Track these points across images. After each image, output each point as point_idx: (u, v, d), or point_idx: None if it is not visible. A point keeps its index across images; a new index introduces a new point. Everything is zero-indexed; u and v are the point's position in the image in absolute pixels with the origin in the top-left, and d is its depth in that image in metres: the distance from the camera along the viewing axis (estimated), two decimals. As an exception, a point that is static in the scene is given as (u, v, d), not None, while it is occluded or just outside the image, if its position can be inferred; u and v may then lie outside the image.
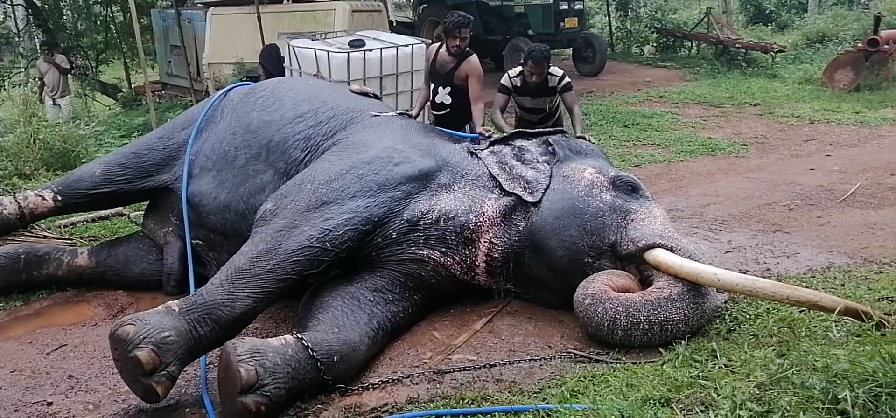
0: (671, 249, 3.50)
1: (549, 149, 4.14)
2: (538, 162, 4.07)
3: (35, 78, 12.88)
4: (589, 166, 3.98)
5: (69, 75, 11.37)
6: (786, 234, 4.86)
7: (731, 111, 9.79)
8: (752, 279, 3.31)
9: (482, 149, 4.21)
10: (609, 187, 3.83)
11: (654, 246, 3.53)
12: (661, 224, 3.67)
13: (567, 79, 5.31)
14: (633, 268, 3.67)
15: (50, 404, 3.24)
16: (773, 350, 2.99)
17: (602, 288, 3.42)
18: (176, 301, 3.16)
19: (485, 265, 3.84)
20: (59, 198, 4.51)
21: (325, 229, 3.46)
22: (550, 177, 3.94)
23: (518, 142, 4.23)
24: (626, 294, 3.42)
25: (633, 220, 3.68)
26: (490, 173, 4.01)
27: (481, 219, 3.83)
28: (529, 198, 3.85)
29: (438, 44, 5.42)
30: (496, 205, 3.87)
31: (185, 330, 3.01)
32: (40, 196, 4.49)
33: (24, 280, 4.47)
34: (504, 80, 5.42)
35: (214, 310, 3.11)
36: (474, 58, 5.17)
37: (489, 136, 4.45)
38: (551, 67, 5.31)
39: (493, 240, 3.82)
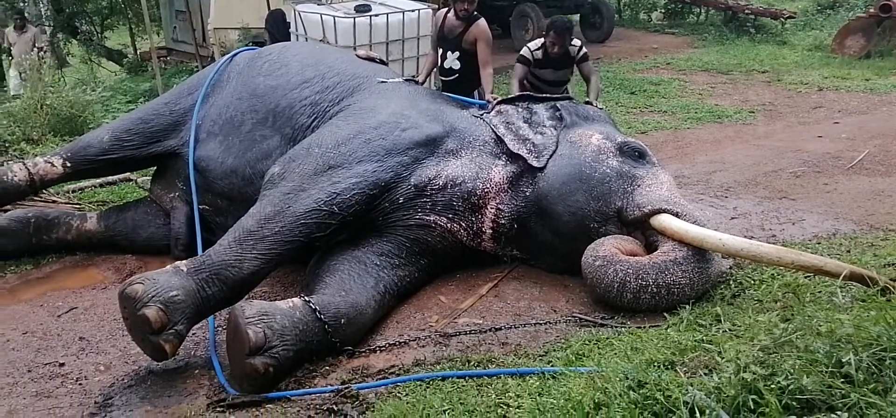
0: (676, 215, 3.51)
1: (557, 113, 4.13)
2: (545, 126, 4.07)
3: (40, 47, 12.79)
4: (596, 132, 3.98)
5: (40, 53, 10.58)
6: (792, 201, 4.86)
7: (738, 78, 9.72)
8: (757, 244, 3.32)
9: (490, 112, 4.20)
10: (616, 153, 3.83)
11: (659, 211, 3.54)
12: (667, 189, 3.68)
13: (585, 48, 5.26)
14: (640, 234, 3.68)
15: (62, 365, 3.30)
16: (778, 314, 2.99)
17: (612, 251, 3.44)
18: (184, 261, 3.20)
19: (491, 231, 3.86)
20: (69, 164, 4.53)
21: (333, 193, 3.48)
22: (557, 142, 3.94)
23: (526, 104, 4.22)
24: (636, 257, 3.44)
25: (639, 186, 3.69)
26: (496, 136, 4.00)
27: (488, 185, 3.84)
28: (535, 164, 3.85)
29: (446, 8, 5.38)
30: (503, 172, 3.88)
31: (193, 289, 3.04)
32: (50, 162, 4.51)
33: (33, 244, 4.52)
34: (524, 51, 5.32)
35: (222, 271, 3.14)
36: (483, 21, 5.13)
37: (493, 101, 4.43)
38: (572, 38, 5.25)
39: (499, 206, 3.83)
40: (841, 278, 3.01)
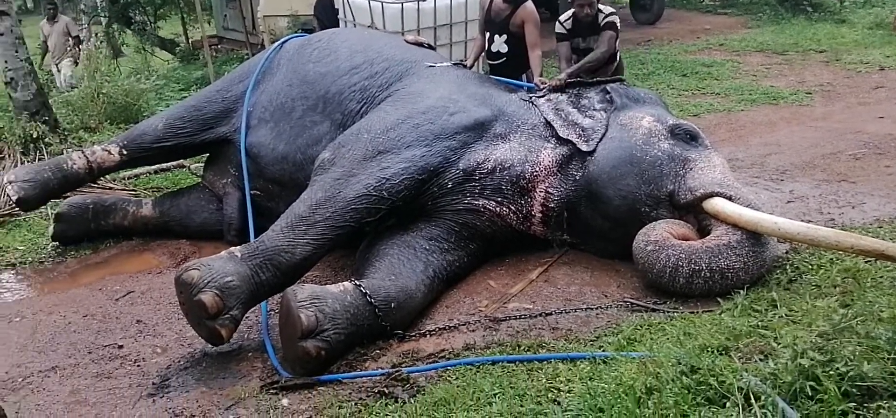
0: (730, 198, 3.44)
1: (607, 97, 4.08)
2: (595, 109, 4.03)
3: (97, 35, 13.07)
4: (647, 114, 3.92)
5: (79, 42, 10.58)
6: (851, 184, 4.71)
7: (794, 58, 9.44)
8: (814, 227, 3.22)
9: (539, 97, 4.17)
10: (667, 135, 3.77)
11: (712, 194, 3.48)
12: (720, 172, 3.61)
13: (614, 18, 5.14)
14: (692, 218, 3.62)
15: (121, 347, 3.40)
16: (837, 300, 2.93)
17: (664, 235, 3.38)
18: (238, 247, 3.25)
19: (541, 215, 3.84)
20: (125, 152, 4.65)
21: (382, 178, 3.50)
22: (607, 125, 3.89)
23: (575, 90, 4.19)
24: (688, 241, 3.38)
25: (691, 169, 3.63)
26: (546, 121, 3.97)
27: (537, 168, 3.82)
28: (584, 147, 3.82)
29: None
30: (552, 155, 3.85)
31: (247, 275, 3.09)
32: (107, 150, 4.63)
33: (92, 229, 4.66)
34: (557, 28, 5.30)
35: (275, 256, 3.18)
36: (530, 3, 5.09)
37: (545, 86, 4.40)
38: (603, 6, 5.16)
39: (549, 189, 3.80)
40: None
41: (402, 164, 3.59)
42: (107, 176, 5.45)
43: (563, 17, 5.28)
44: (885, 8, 11.96)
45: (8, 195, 4.58)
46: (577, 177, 3.79)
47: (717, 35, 11.25)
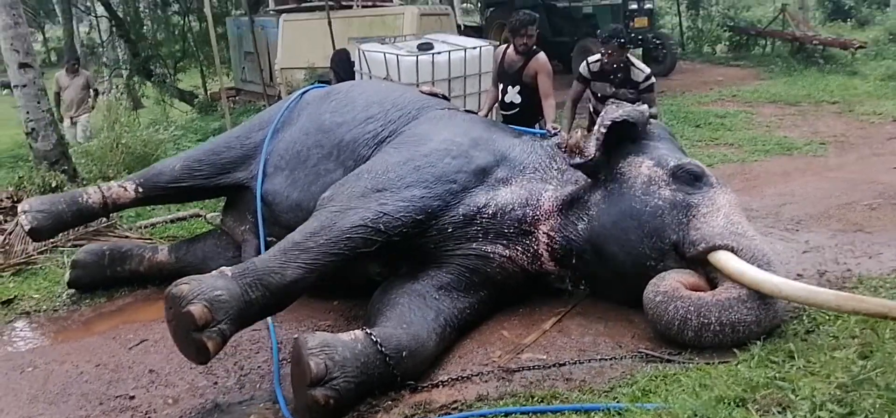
0: (734, 249, 3.37)
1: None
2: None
3: (117, 86, 13.27)
4: (647, 159, 3.81)
5: (96, 95, 10.49)
6: (867, 234, 4.68)
7: (808, 109, 9.46)
8: (816, 289, 3.15)
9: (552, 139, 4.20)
10: (668, 181, 3.66)
11: (715, 248, 3.40)
12: (724, 218, 3.50)
13: (652, 79, 5.11)
14: (700, 269, 3.54)
15: (132, 398, 3.38)
16: (855, 351, 2.88)
17: (673, 285, 3.33)
18: (230, 268, 3.24)
19: (548, 253, 3.81)
20: (141, 189, 4.69)
21: (380, 212, 3.54)
22: (597, 164, 3.80)
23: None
24: (698, 293, 3.32)
25: (694, 217, 3.53)
26: (550, 158, 4.00)
27: (538, 211, 3.82)
28: (578, 160, 3.74)
29: (506, 45, 5.44)
30: (553, 197, 3.84)
31: (237, 292, 3.07)
32: (123, 187, 4.68)
33: (108, 275, 4.69)
34: (581, 67, 5.30)
35: (266, 277, 3.18)
36: (542, 55, 5.17)
37: (557, 132, 4.42)
38: (637, 62, 5.15)
39: (550, 231, 3.79)
40: None
41: (402, 203, 3.61)
42: (122, 223, 5.53)
43: (591, 59, 5.28)
44: (897, 60, 12.02)
45: (21, 224, 4.56)
46: (580, 228, 3.75)
47: (730, 86, 11.32)
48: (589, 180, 3.83)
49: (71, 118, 10.22)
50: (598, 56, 5.21)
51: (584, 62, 5.32)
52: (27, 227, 4.40)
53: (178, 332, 3.04)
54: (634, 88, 5.12)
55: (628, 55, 5.12)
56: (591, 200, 3.78)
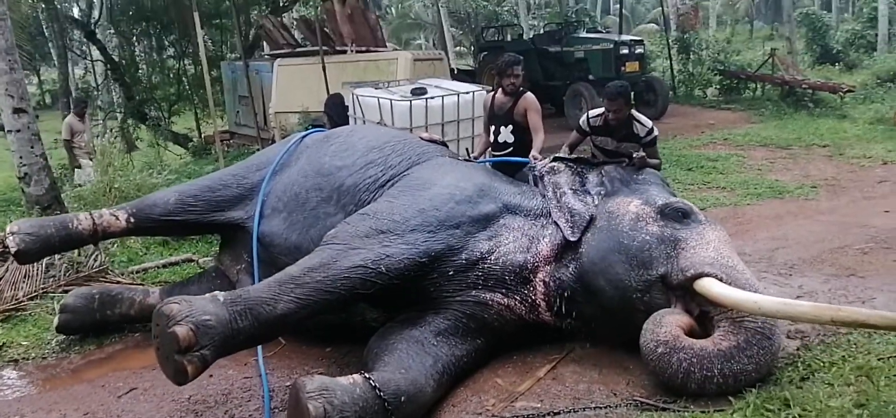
0: (722, 277, 3.38)
1: (602, 180, 4.13)
2: (590, 194, 4.06)
3: (112, 130, 13.30)
4: (636, 198, 3.90)
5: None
6: (860, 279, 4.68)
7: (798, 153, 9.54)
8: (793, 302, 3.21)
9: (545, 166, 4.22)
10: (656, 218, 3.73)
11: (701, 275, 3.42)
12: (713, 250, 3.54)
13: (654, 133, 5.02)
14: (689, 298, 3.53)
15: (121, 447, 3.33)
16: (851, 400, 2.88)
17: (673, 333, 3.30)
18: (223, 293, 3.22)
19: (545, 303, 3.82)
20: (133, 219, 4.66)
21: (383, 254, 3.53)
22: (594, 214, 3.90)
23: (580, 168, 4.25)
24: (699, 343, 3.29)
25: (683, 249, 3.57)
26: (546, 209, 4.02)
27: (537, 257, 3.83)
28: (570, 237, 3.83)
29: (493, 91, 5.54)
30: (551, 243, 3.86)
31: (225, 319, 3.05)
32: (115, 215, 4.65)
33: (98, 319, 4.64)
34: (582, 121, 5.26)
35: (256, 307, 3.16)
36: (530, 94, 5.29)
37: (538, 160, 4.45)
38: (639, 115, 5.05)
39: (545, 278, 3.80)
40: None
41: (405, 246, 3.61)
42: (114, 268, 5.50)
43: (592, 113, 5.22)
44: (885, 104, 12.17)
45: (7, 245, 4.49)
46: (571, 269, 3.78)
47: (722, 130, 11.41)
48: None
49: (89, 157, 10.06)
50: (600, 110, 5.14)
51: (586, 115, 5.26)
52: (14, 249, 4.33)
53: (162, 350, 3.02)
54: (637, 142, 4.98)
55: (632, 110, 5.06)
56: (582, 241, 3.82)
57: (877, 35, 19.35)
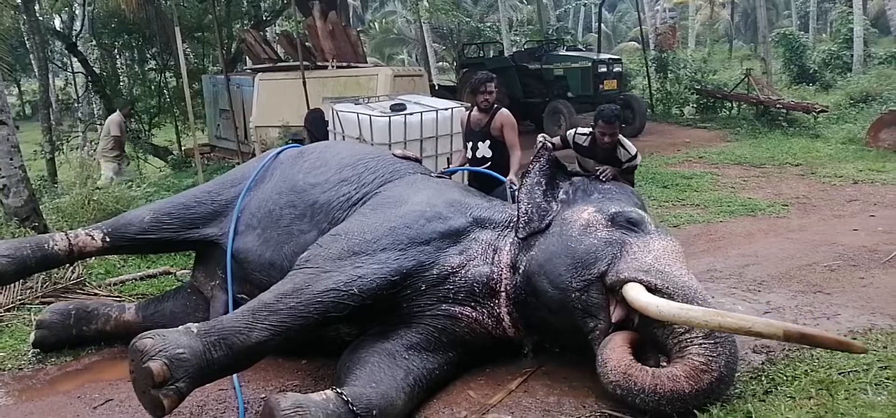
0: (655, 286, 3.41)
1: (566, 191, 4.22)
2: (554, 200, 4.13)
3: (92, 141, 13.28)
4: (591, 207, 3.95)
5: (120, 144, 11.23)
6: (826, 295, 4.79)
7: (772, 171, 9.72)
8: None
9: (539, 141, 4.33)
10: (606, 224, 3.78)
11: (630, 280, 3.46)
12: (652, 258, 3.57)
13: (636, 161, 5.02)
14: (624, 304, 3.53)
15: (96, 457, 3.35)
16: (809, 411, 2.96)
17: (624, 370, 3.28)
18: (197, 324, 3.27)
19: (508, 316, 3.88)
20: (108, 239, 4.69)
21: (355, 276, 3.58)
22: (551, 221, 3.96)
23: (558, 172, 4.33)
24: (667, 373, 3.25)
25: (626, 254, 3.61)
26: (511, 221, 4.09)
27: (499, 267, 3.90)
28: (519, 233, 3.93)
29: (470, 108, 5.65)
30: (510, 251, 3.93)
31: (199, 350, 3.10)
32: (90, 235, 4.67)
33: (74, 335, 4.65)
34: (570, 135, 5.23)
35: (230, 337, 3.21)
36: (505, 110, 5.39)
37: (516, 184, 4.53)
38: (626, 141, 5.05)
39: (508, 287, 3.86)
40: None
41: (376, 265, 3.66)
42: (91, 281, 5.50)
43: (581, 130, 5.22)
44: (857, 124, 12.40)
45: None
46: (521, 271, 3.84)
47: (697, 148, 11.59)
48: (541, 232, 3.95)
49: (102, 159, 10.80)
50: (587, 130, 5.15)
51: (573, 131, 5.27)
52: None
53: (138, 385, 3.08)
54: (617, 166, 4.95)
55: (620, 135, 5.05)
56: (533, 245, 3.89)
57: (852, 56, 19.70)
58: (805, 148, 11.13)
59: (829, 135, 12.17)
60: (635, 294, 3.39)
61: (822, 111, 13.20)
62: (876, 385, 3.18)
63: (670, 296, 3.37)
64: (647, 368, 3.30)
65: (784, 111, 13.50)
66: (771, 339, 3.18)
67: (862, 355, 3.50)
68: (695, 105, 15.77)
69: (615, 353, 3.37)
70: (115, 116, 11.22)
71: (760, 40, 21.30)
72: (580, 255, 3.66)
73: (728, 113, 15.04)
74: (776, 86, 17.37)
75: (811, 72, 19.71)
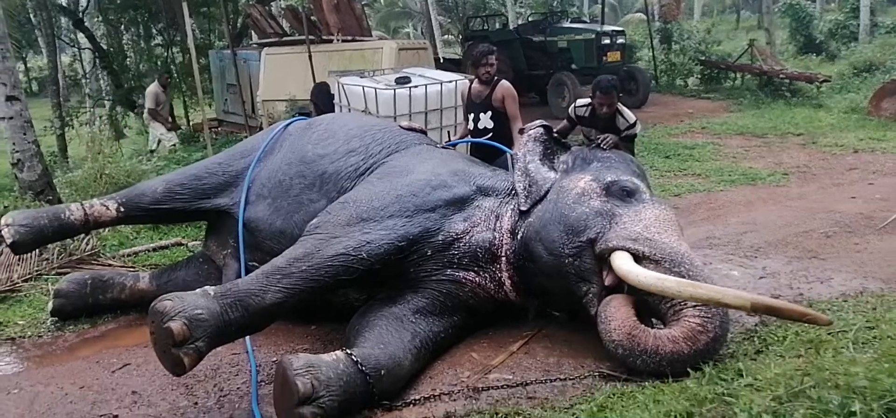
0: (644, 254, 3.52)
1: (566, 160, 4.31)
2: (554, 170, 4.24)
3: (101, 117, 13.45)
4: (587, 175, 4.05)
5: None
6: (821, 261, 4.92)
7: (773, 141, 9.80)
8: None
9: (531, 127, 4.40)
10: (600, 193, 3.88)
11: (615, 249, 3.57)
12: (642, 226, 3.67)
13: (635, 129, 5.14)
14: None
15: (116, 417, 3.51)
16: (796, 367, 3.08)
17: (628, 331, 3.40)
18: (213, 287, 3.40)
19: (509, 281, 4.02)
20: (122, 209, 4.83)
21: (363, 241, 3.71)
22: (549, 188, 4.08)
23: (555, 145, 4.42)
24: (655, 341, 3.36)
25: (617, 223, 3.72)
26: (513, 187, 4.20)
27: (501, 233, 4.03)
28: (522, 206, 4.04)
29: (471, 80, 5.74)
30: (511, 217, 4.06)
31: (217, 311, 3.24)
32: (105, 205, 4.82)
33: (90, 303, 4.81)
34: (570, 110, 5.39)
35: (246, 298, 3.35)
36: (505, 82, 5.49)
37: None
38: (625, 109, 5.16)
39: (508, 252, 3.99)
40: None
41: (383, 231, 3.79)
42: (106, 252, 5.65)
43: (580, 103, 5.34)
44: (860, 93, 12.42)
45: (3, 236, 4.67)
46: (519, 238, 3.97)
47: (700, 119, 11.65)
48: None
49: (167, 128, 11.68)
50: (586, 101, 5.29)
51: (574, 105, 5.41)
52: (9, 241, 4.52)
53: (158, 345, 3.20)
54: (617, 135, 5.04)
55: (619, 103, 5.18)
56: (531, 213, 4.02)
57: (859, 25, 19.62)
58: (807, 117, 11.18)
59: (831, 104, 12.21)
60: (619, 262, 3.52)
61: (825, 81, 13.22)
62: (862, 344, 3.31)
63: (657, 264, 3.49)
64: (650, 330, 3.42)
65: (787, 81, 13.52)
66: (740, 310, 3.28)
67: (850, 316, 3.65)
68: (699, 76, 15.79)
69: (619, 313, 3.49)
70: (152, 87, 11.58)
71: (764, 10, 21.19)
72: (572, 222, 3.78)
73: (732, 84, 15.06)
74: (782, 56, 17.36)
75: (818, 42, 19.64)
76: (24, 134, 6.56)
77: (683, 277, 3.41)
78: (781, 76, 13.63)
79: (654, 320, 3.61)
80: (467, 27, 17.48)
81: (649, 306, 3.57)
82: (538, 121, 4.49)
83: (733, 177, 7.78)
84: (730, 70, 15.15)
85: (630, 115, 5.14)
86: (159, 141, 11.60)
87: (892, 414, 2.45)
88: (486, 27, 16.72)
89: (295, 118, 5.47)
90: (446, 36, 31.56)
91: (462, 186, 4.18)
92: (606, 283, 3.62)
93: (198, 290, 3.34)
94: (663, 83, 15.78)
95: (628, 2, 42.06)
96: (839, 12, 23.07)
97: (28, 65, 30.14)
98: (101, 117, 14.99)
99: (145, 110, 11.55)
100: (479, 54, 5.49)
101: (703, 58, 15.72)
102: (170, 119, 11.96)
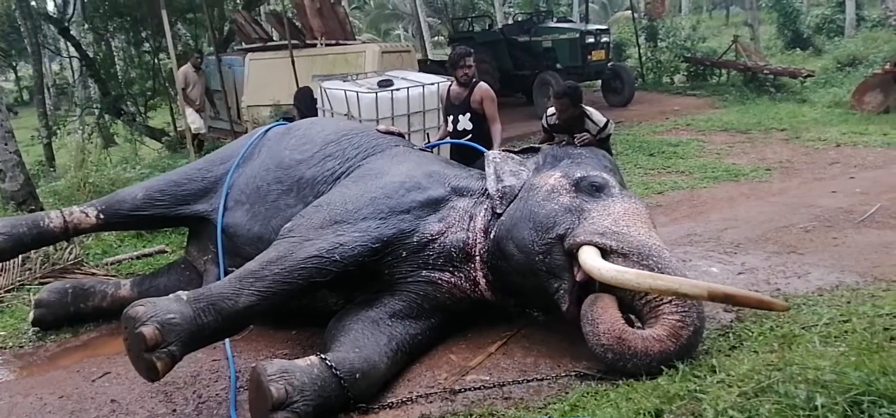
0: (611, 248, 3.54)
1: (538, 159, 4.33)
2: (526, 170, 4.26)
3: (89, 125, 13.39)
4: (558, 172, 4.07)
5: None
6: (800, 255, 4.94)
7: (757, 137, 9.85)
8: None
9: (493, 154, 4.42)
10: (570, 189, 3.90)
11: (582, 244, 3.59)
12: (611, 221, 3.68)
13: (608, 130, 5.12)
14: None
15: (94, 426, 3.51)
16: (769, 365, 3.11)
17: (616, 333, 3.38)
18: (186, 292, 3.41)
19: (484, 281, 4.03)
20: (102, 216, 4.84)
21: (337, 243, 3.73)
22: (520, 188, 4.11)
23: (523, 156, 4.44)
24: (644, 342, 3.35)
25: (585, 219, 3.73)
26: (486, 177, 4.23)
27: (474, 233, 4.05)
28: (497, 209, 4.06)
29: (449, 83, 5.77)
30: (484, 217, 4.08)
31: (190, 316, 3.24)
32: (84, 212, 4.82)
33: (72, 313, 4.81)
34: (543, 120, 5.43)
35: (219, 302, 3.35)
36: (484, 84, 5.54)
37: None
38: (592, 112, 5.15)
39: (481, 252, 4.02)
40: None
41: (357, 233, 3.81)
42: (89, 261, 5.65)
43: (548, 112, 5.35)
44: (843, 88, 12.51)
45: None
46: (491, 237, 3.99)
47: (685, 116, 11.70)
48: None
49: (197, 110, 11.36)
50: (553, 108, 5.32)
51: (545, 114, 5.43)
52: None
53: (132, 351, 3.20)
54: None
55: (583, 107, 5.17)
56: (505, 212, 4.04)
57: (845, 19, 19.71)
58: (791, 113, 11.25)
59: (815, 99, 12.28)
60: (585, 257, 3.54)
61: (809, 76, 13.30)
62: (834, 337, 3.34)
63: (626, 257, 3.51)
64: (638, 332, 3.41)
65: (771, 77, 13.59)
66: (697, 299, 3.31)
67: (825, 310, 3.68)
68: (685, 73, 15.84)
69: (606, 316, 3.46)
70: (183, 68, 11.31)
71: (748, 6, 21.29)
72: (541, 219, 3.80)
73: (717, 80, 15.12)
74: (769, 51, 17.44)
75: (805, 36, 19.73)
76: (6, 144, 6.55)
77: (652, 270, 3.43)
78: (766, 72, 13.70)
79: (632, 316, 3.62)
80: (455, 28, 17.49)
81: (625, 303, 3.57)
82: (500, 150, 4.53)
83: (716, 174, 7.82)
84: (715, 67, 15.21)
85: (599, 117, 5.15)
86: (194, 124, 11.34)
87: (857, 407, 2.47)
88: (472, 28, 16.76)
89: (274, 124, 5.48)
90: (437, 37, 31.62)
91: (436, 188, 4.20)
92: (578, 279, 3.63)
93: (171, 296, 3.35)
94: (649, 80, 15.83)
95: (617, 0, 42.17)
96: (826, 7, 23.18)
97: (18, 74, 30.01)
98: (89, 125, 14.94)
99: (179, 92, 11.30)
100: (457, 56, 5.53)
101: (689, 55, 15.78)
102: (202, 101, 11.62)
